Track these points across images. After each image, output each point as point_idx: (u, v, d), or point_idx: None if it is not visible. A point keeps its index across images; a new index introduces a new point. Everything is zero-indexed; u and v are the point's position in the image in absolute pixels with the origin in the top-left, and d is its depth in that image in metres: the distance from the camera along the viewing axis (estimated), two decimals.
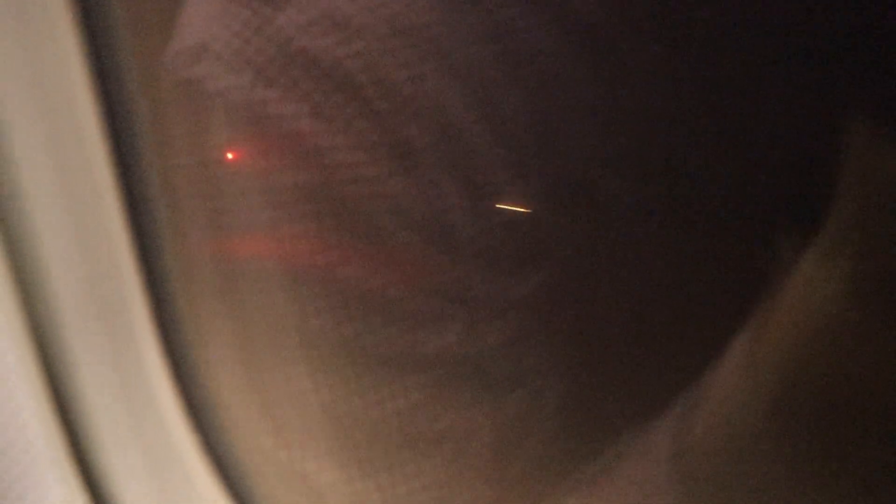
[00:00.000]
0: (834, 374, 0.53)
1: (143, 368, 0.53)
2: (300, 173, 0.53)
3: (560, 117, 0.55)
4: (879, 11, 0.52)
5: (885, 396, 0.53)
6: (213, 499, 0.55)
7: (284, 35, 0.51)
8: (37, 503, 0.50)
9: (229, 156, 0.54)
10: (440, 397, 0.56)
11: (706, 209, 0.56)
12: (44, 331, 0.50)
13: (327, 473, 0.57)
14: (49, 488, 0.50)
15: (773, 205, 0.55)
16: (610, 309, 0.57)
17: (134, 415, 0.53)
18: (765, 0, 0.54)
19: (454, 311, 0.55)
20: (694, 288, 0.57)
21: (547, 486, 0.58)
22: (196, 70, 0.51)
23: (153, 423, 0.54)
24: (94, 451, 0.52)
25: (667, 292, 0.57)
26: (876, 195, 0.51)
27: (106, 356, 0.52)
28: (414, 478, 0.57)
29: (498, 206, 0.55)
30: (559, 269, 0.56)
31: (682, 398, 0.56)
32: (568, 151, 0.56)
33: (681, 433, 0.56)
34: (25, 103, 0.49)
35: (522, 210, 0.55)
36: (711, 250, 0.56)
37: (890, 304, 0.52)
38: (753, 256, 0.56)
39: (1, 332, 0.49)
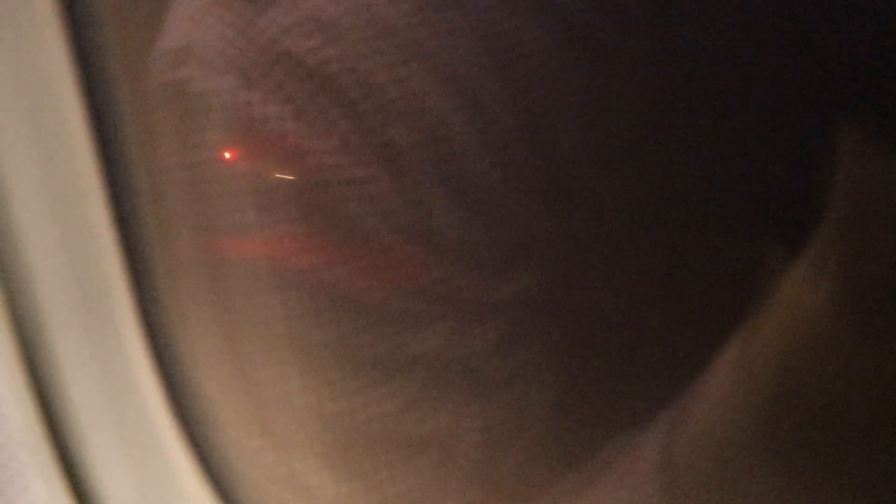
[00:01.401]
0: (825, 380, 0.53)
1: (129, 366, 0.54)
2: (285, 175, 0.53)
3: (549, 117, 0.55)
4: (874, 15, 0.51)
5: (877, 401, 0.52)
6: (198, 497, 0.55)
7: (268, 37, 0.52)
8: (18, 497, 0.50)
9: (214, 157, 0.54)
10: (427, 399, 0.56)
11: (696, 212, 0.55)
12: (28, 330, 0.51)
13: (315, 475, 0.58)
14: (30, 482, 0.51)
15: (764, 209, 0.54)
16: (599, 311, 0.56)
17: (119, 411, 0.54)
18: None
19: (441, 313, 0.55)
20: (684, 292, 0.56)
21: (535, 490, 0.57)
22: (180, 72, 0.52)
23: (138, 420, 0.54)
24: (77, 447, 0.52)
25: (657, 296, 0.56)
26: (867, 201, 0.50)
27: (91, 353, 0.53)
28: (401, 480, 0.56)
29: (485, 206, 0.55)
30: (548, 271, 0.56)
31: (672, 403, 0.56)
32: (557, 152, 0.55)
33: (671, 438, 0.56)
34: (11, 103, 0.50)
35: (511, 210, 0.55)
36: (702, 254, 0.56)
37: (880, 310, 0.51)
38: (744, 261, 0.55)
39: None
